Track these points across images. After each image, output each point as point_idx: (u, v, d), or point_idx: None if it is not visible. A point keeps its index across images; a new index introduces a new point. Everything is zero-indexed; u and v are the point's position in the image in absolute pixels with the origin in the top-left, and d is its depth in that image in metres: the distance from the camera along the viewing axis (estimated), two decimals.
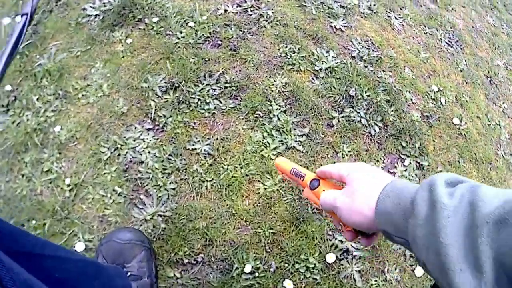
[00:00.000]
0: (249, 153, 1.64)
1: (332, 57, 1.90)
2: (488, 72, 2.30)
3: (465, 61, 2.26)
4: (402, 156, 1.78)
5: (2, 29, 1.95)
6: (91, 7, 1.99)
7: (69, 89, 1.78)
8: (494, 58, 2.39)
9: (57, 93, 1.78)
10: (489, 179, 1.89)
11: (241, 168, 1.61)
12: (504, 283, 0.51)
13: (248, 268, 1.47)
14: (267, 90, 1.76)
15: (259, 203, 1.58)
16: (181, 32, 1.87)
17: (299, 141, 1.69)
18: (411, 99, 1.94)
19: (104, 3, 1.99)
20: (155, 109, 1.70)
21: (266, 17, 1.96)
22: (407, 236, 0.69)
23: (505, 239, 0.51)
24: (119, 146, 1.64)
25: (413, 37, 2.19)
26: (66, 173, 1.62)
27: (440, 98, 2.01)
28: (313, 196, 0.99)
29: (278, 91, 1.76)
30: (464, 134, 1.97)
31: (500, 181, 1.91)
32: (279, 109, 1.73)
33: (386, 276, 1.57)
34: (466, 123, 2.00)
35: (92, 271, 1.08)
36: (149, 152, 1.63)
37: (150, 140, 1.65)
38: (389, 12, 2.22)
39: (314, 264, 1.51)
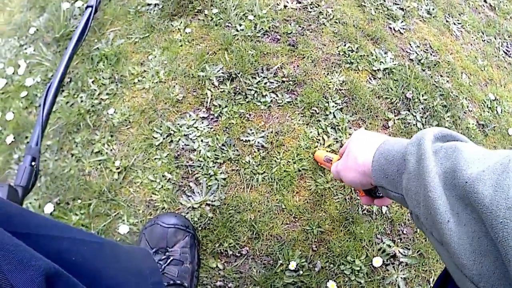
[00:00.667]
0: (303, 149, 1.54)
1: (390, 58, 1.80)
2: None
3: None
4: None
5: (62, 13, 1.91)
6: None
7: (125, 73, 1.71)
8: None
9: (113, 77, 1.72)
10: None
11: (294, 163, 1.52)
12: (483, 236, 0.51)
13: (292, 265, 1.38)
14: (324, 87, 1.66)
15: (309, 199, 1.48)
16: (240, 25, 1.79)
17: None
18: (467, 106, 1.82)
19: None
20: (211, 99, 1.62)
21: (326, 14, 1.86)
22: (402, 191, 0.70)
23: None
24: (172, 132, 1.56)
25: (471, 44, 2.07)
26: (117, 155, 1.56)
27: (496, 107, 1.89)
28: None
29: (335, 88, 1.67)
30: None
31: None
32: (336, 106, 1.63)
33: (431, 286, 1.46)
34: None
35: (109, 253, 0.99)
36: (202, 141, 1.54)
37: (203, 129, 1.57)
38: (447, 17, 2.10)
39: (360, 267, 1.41)
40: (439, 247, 0.59)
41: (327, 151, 1.52)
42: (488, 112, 1.87)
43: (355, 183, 0.90)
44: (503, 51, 2.14)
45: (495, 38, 2.17)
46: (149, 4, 1.90)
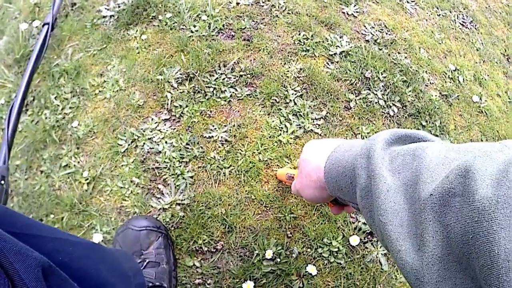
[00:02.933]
0: (267, 138, 1.52)
1: (346, 41, 1.78)
2: (505, 50, 2.15)
3: (481, 40, 2.12)
4: None
5: (20, 34, 1.88)
6: (105, 8, 1.90)
7: (86, 86, 1.69)
8: (510, 36, 2.24)
9: (74, 90, 1.69)
10: None
11: (259, 153, 1.50)
12: (451, 259, 0.45)
13: (269, 254, 1.35)
14: (282, 76, 1.65)
15: (278, 187, 1.46)
16: (194, 26, 1.77)
17: (316, 124, 1.56)
18: (429, 79, 1.81)
19: (118, 4, 1.91)
20: (171, 100, 1.60)
21: (278, 7, 1.85)
22: (357, 203, 0.63)
23: (451, 211, 0.45)
24: (136, 138, 1.54)
25: (426, 19, 2.05)
26: (84, 167, 1.53)
27: (458, 77, 1.88)
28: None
29: (294, 76, 1.65)
30: (485, 111, 1.83)
31: None
32: (295, 94, 1.61)
33: None
34: (486, 101, 1.86)
35: (96, 254, 0.98)
36: (166, 142, 1.52)
37: (167, 131, 1.54)
38: None
39: (338, 248, 1.39)
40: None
41: (298, 138, 1.51)
42: (450, 82, 1.86)
43: (316, 199, 0.83)
44: (459, 23, 2.13)
45: (450, 12, 2.16)
46: (104, 16, 1.88)
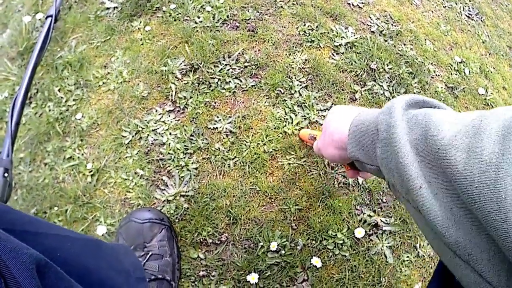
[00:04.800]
0: (272, 130, 1.50)
1: (351, 32, 1.76)
2: None
3: (487, 32, 2.10)
4: None
5: (24, 27, 1.87)
6: (109, 0, 1.89)
7: (90, 78, 1.68)
8: None
9: (78, 82, 1.68)
10: None
11: (264, 144, 1.48)
12: (459, 206, 0.49)
13: (274, 246, 1.34)
14: (287, 67, 1.63)
15: (283, 179, 1.44)
16: (198, 17, 1.76)
17: (322, 115, 1.55)
18: (434, 71, 1.79)
19: None
20: (176, 91, 1.58)
21: None
22: (377, 162, 0.67)
23: (457, 165, 0.48)
24: (140, 129, 1.53)
25: (432, 11, 2.04)
26: (88, 159, 1.52)
27: (464, 69, 1.86)
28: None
29: (299, 67, 1.63)
30: (491, 104, 1.81)
31: None
32: (300, 85, 1.59)
33: (418, 252, 1.43)
34: (492, 93, 1.84)
35: (94, 249, 0.97)
36: (170, 134, 1.51)
37: (171, 122, 1.53)
38: None
39: (343, 240, 1.38)
40: (416, 214, 0.58)
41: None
42: (456, 74, 1.84)
43: (336, 159, 0.88)
44: (465, 15, 2.12)
45: (456, 4, 2.14)
46: (108, 8, 1.86)
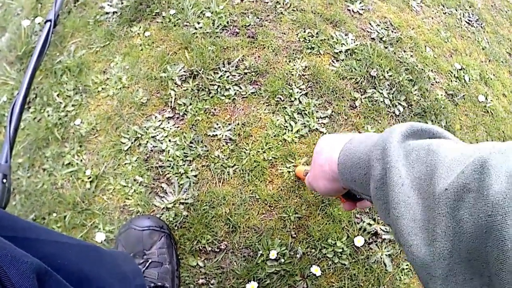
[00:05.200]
0: (271, 137, 1.50)
1: (351, 39, 1.77)
2: (511, 49, 2.14)
3: (487, 39, 2.11)
4: None
5: (23, 31, 1.87)
6: (108, 5, 1.89)
7: (89, 83, 1.67)
8: None
9: (77, 88, 1.68)
10: None
11: (264, 152, 1.48)
12: (461, 255, 0.46)
13: (273, 254, 1.34)
14: (287, 74, 1.63)
15: (283, 187, 1.44)
16: (198, 23, 1.76)
17: (322, 123, 1.55)
18: (434, 78, 1.79)
19: (121, 0, 1.89)
20: (175, 98, 1.58)
21: (283, 3, 1.83)
22: (371, 196, 0.63)
23: (464, 206, 0.45)
24: (139, 136, 1.53)
25: (432, 18, 2.04)
26: (87, 165, 1.52)
27: (463, 76, 1.86)
28: None
29: (298, 74, 1.63)
30: (491, 111, 1.81)
31: None
32: (300, 92, 1.60)
33: None
34: (492, 100, 1.84)
35: (94, 256, 0.97)
36: (169, 141, 1.51)
37: (170, 129, 1.53)
38: None
39: (342, 248, 1.38)
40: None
41: (303, 137, 1.51)
42: (456, 81, 1.84)
43: (329, 191, 0.83)
44: (465, 21, 2.12)
45: (456, 10, 2.14)
46: (107, 13, 1.86)
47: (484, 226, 0.42)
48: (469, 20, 2.14)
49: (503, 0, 2.38)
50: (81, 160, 1.54)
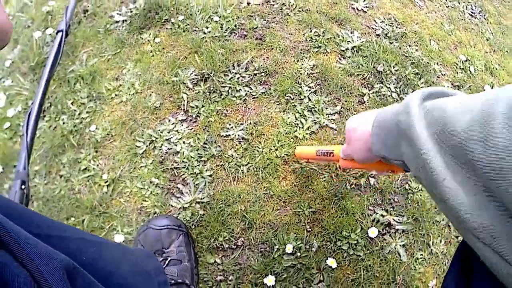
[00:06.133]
0: (283, 135, 1.54)
1: (357, 37, 1.81)
2: None
3: (490, 30, 2.14)
4: None
5: (34, 42, 1.92)
6: (118, 14, 1.94)
7: (102, 90, 1.72)
8: None
9: (90, 95, 1.73)
10: None
11: (276, 150, 1.52)
12: (482, 191, 0.52)
13: (289, 249, 1.37)
14: (295, 73, 1.67)
15: (296, 183, 1.48)
16: (207, 27, 1.80)
17: (331, 119, 1.59)
18: (440, 71, 1.83)
19: (130, 9, 1.94)
20: (187, 101, 1.63)
21: (289, 5, 1.87)
22: (402, 158, 0.71)
23: (475, 154, 0.51)
24: (154, 139, 1.57)
25: (435, 11, 2.07)
26: (103, 169, 1.56)
27: (469, 67, 1.89)
28: (349, 162, 1.07)
29: (307, 73, 1.67)
30: None
31: None
32: (309, 90, 1.64)
33: (431, 249, 1.46)
34: None
35: (118, 253, 1.00)
36: (184, 142, 1.55)
37: (184, 131, 1.57)
38: None
39: (357, 240, 1.41)
40: (440, 204, 0.60)
41: (314, 134, 1.55)
42: (462, 73, 1.87)
43: (367, 159, 0.92)
44: (468, 13, 2.15)
45: (459, 3, 2.18)
46: (117, 22, 1.91)
47: (498, 168, 0.47)
48: (472, 12, 2.17)
49: None
50: (98, 165, 1.58)
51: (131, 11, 1.93)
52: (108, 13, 1.96)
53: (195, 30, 1.81)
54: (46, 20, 2.05)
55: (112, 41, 1.85)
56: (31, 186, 1.61)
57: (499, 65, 2.00)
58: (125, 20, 1.91)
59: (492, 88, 1.85)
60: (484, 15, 2.19)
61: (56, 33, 1.71)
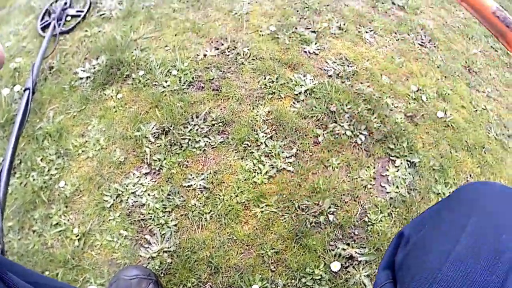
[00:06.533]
0: (242, 181, 1.63)
1: (310, 79, 1.90)
2: (466, 62, 2.26)
3: (441, 57, 2.23)
4: (392, 158, 1.74)
5: (3, 99, 2.00)
6: (82, 70, 2.03)
7: (69, 147, 1.81)
8: (470, 48, 2.35)
9: (58, 152, 1.81)
10: (485, 163, 1.83)
11: (236, 196, 1.61)
12: None
13: None
14: (251, 121, 1.77)
15: (258, 226, 1.56)
16: (166, 81, 1.90)
17: (288, 162, 1.68)
18: (392, 103, 1.92)
19: (93, 65, 2.04)
20: (150, 154, 1.72)
21: (243, 54, 1.98)
22: None
23: None
24: (120, 193, 1.65)
25: (385, 46, 2.17)
26: (74, 224, 1.64)
27: (421, 96, 1.98)
28: None
29: (262, 120, 1.77)
30: (451, 125, 1.92)
31: (498, 162, 1.85)
32: (265, 136, 1.73)
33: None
34: (451, 114, 1.95)
35: None
36: (148, 195, 1.64)
37: (148, 183, 1.66)
38: (359, 28, 2.21)
39: (321, 275, 1.48)
40: None
41: (272, 178, 1.64)
42: (414, 103, 1.96)
43: None
44: (418, 44, 2.25)
45: (409, 34, 2.28)
46: (81, 78, 2.00)
47: None
48: (422, 42, 2.27)
49: (454, 16, 2.51)
50: (68, 220, 1.65)
51: (94, 67, 2.02)
52: (72, 70, 2.05)
53: (155, 84, 1.90)
54: (13, 77, 2.13)
55: (77, 97, 1.94)
56: (5, 242, 1.67)
57: (451, 90, 2.08)
58: (89, 77, 1.99)
59: (445, 113, 1.93)
60: (434, 43, 2.29)
61: (24, 91, 1.78)
